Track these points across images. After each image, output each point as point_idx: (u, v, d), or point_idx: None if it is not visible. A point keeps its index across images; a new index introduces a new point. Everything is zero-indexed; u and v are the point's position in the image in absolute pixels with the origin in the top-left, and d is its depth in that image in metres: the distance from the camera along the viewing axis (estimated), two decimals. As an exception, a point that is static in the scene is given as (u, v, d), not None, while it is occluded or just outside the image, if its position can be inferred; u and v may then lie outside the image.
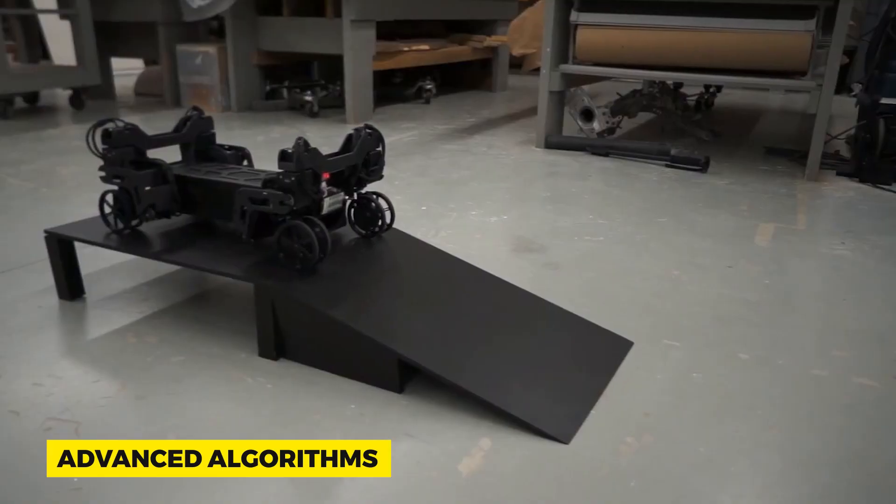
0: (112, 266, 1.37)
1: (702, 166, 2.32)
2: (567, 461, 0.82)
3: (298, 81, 3.38)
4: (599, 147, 2.52)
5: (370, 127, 1.17)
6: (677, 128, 2.96)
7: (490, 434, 0.86)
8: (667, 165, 2.39)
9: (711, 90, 3.79)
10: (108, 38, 3.45)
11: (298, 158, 1.01)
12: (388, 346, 0.93)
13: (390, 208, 1.21)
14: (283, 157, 1.01)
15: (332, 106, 3.27)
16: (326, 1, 2.99)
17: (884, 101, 2.38)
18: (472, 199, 1.92)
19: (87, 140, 1.15)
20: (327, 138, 2.68)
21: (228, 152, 1.30)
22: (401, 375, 0.94)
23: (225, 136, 2.62)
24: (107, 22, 3.36)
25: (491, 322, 1.06)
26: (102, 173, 1.15)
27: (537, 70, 2.81)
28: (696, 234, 1.66)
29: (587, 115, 2.70)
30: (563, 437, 0.85)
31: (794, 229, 1.73)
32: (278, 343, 1.02)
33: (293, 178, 1.01)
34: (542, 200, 1.92)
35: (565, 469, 0.80)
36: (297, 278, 1.03)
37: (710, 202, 1.95)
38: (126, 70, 4.49)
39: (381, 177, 1.20)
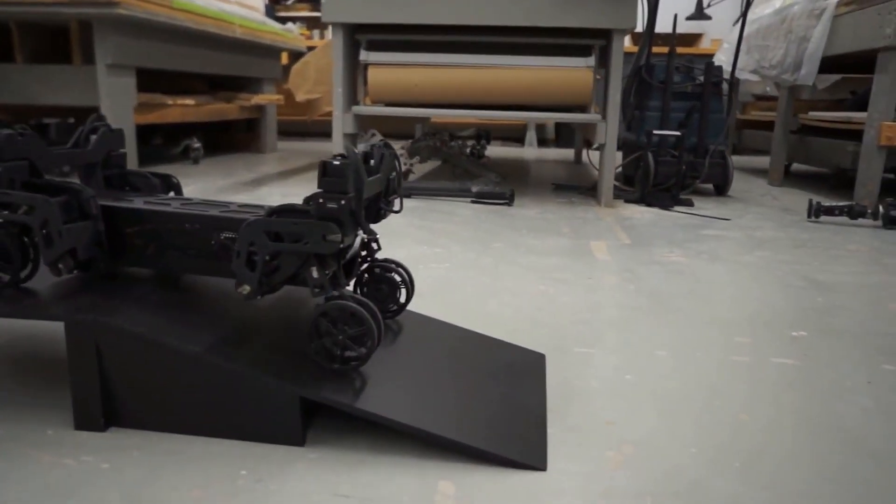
0: None
1: (508, 199, 2.30)
2: (558, 490, 0.63)
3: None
4: (402, 189, 2.40)
5: (382, 139, 0.84)
6: (466, 171, 2.96)
7: (447, 476, 0.65)
8: (473, 202, 2.34)
9: (482, 142, 3.91)
10: None
11: (357, 173, 0.68)
12: (283, 383, 0.68)
13: (410, 281, 0.89)
14: (328, 171, 0.68)
15: (84, 166, 2.82)
16: (73, 45, 2.59)
17: (655, 132, 2.57)
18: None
19: None
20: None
21: (155, 180, 0.92)
22: (303, 422, 0.69)
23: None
24: None
25: (403, 349, 0.84)
26: None
27: (325, 115, 2.66)
28: (538, 254, 1.58)
29: (383, 158, 2.58)
30: (540, 464, 0.66)
31: (622, 244, 1.73)
32: (106, 406, 0.72)
33: (342, 203, 0.68)
34: (365, 237, 1.74)
35: (562, 498, 0.62)
36: (132, 309, 0.74)
37: (532, 228, 1.91)
38: None
39: (399, 210, 0.87)
